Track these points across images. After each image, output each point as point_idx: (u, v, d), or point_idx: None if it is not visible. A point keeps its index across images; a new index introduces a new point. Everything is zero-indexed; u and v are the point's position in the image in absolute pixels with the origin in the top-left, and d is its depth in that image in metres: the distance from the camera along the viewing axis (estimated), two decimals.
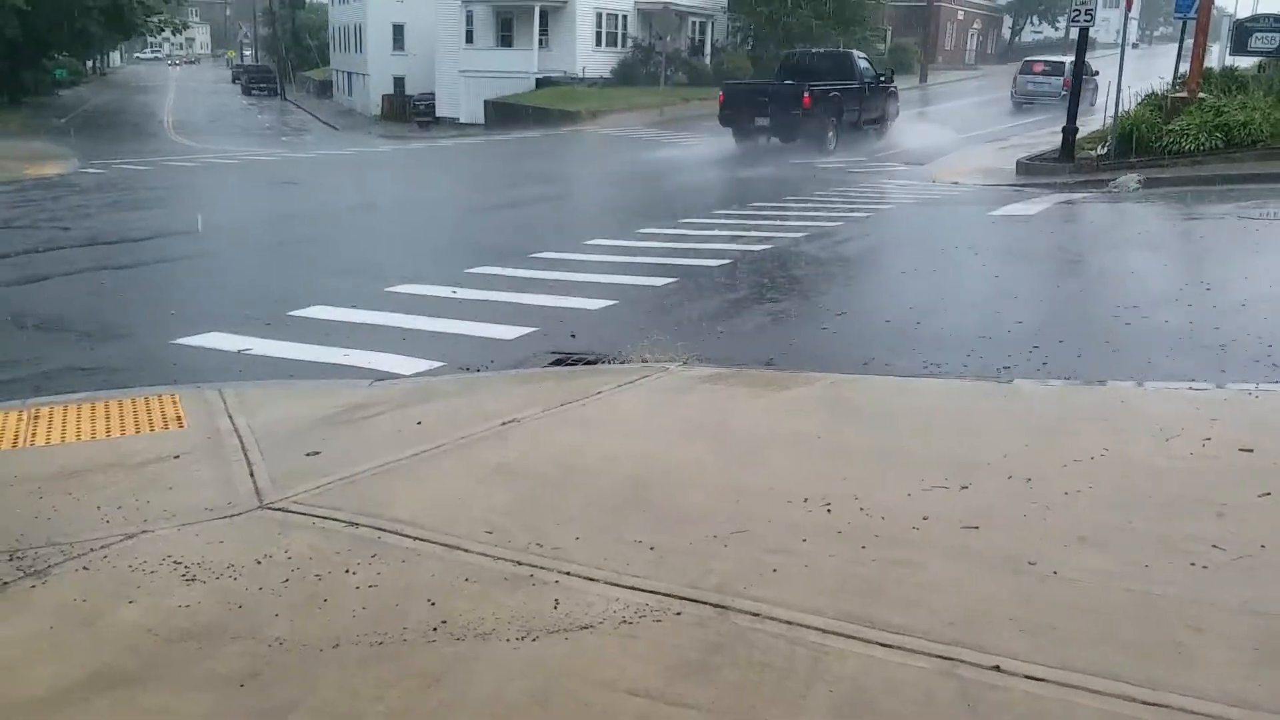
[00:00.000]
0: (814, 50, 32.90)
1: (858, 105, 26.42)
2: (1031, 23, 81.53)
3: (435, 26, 47.78)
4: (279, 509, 4.29)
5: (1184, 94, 18.95)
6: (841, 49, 34.08)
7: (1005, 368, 6.44)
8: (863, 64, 27.88)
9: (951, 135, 27.89)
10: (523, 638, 3.21)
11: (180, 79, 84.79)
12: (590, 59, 44.14)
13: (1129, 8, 19.71)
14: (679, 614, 3.32)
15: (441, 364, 6.98)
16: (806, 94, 24.02)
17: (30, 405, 5.86)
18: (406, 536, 3.94)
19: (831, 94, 25.12)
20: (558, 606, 3.39)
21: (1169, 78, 21.39)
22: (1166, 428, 4.85)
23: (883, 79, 28.37)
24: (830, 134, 24.92)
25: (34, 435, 5.32)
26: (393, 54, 54.55)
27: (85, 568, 3.77)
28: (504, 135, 35.45)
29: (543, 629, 3.26)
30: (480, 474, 4.64)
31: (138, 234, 13.68)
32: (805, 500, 4.12)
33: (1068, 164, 18.50)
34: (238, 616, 3.39)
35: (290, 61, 74.89)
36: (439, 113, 46.74)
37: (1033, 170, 19.10)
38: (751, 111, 25.21)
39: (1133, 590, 3.36)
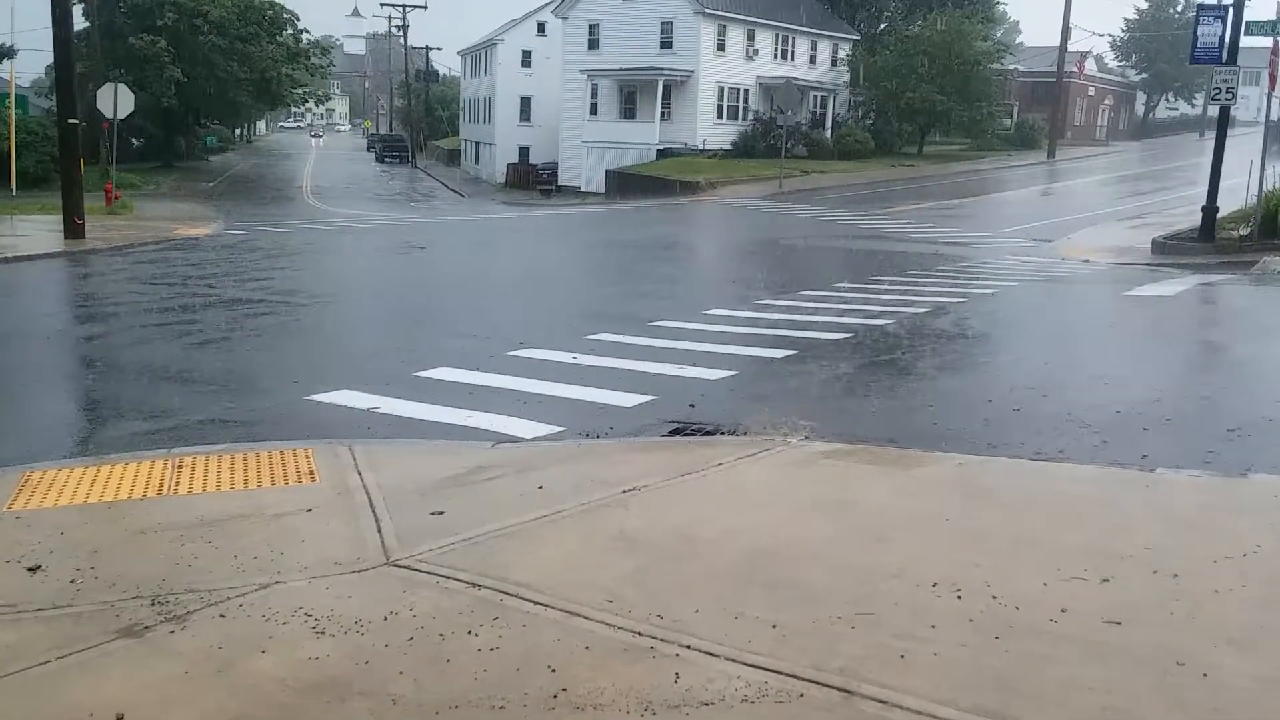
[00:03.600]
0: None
1: None
2: (1167, 99, 79.44)
3: (561, 99, 49.32)
4: (405, 566, 4.36)
5: None
6: None
7: (1145, 456, 6.16)
8: None
9: (1080, 213, 27.24)
10: (643, 711, 3.17)
11: (318, 146, 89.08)
12: (711, 131, 44.82)
13: (1273, 86, 19.05)
14: (802, 696, 3.24)
15: (562, 429, 7.05)
16: None
17: (174, 455, 6.13)
18: (528, 600, 3.96)
19: None
20: (678, 680, 3.34)
21: None
22: None
23: None
24: None
25: (177, 484, 5.56)
26: (519, 124, 56.46)
27: (222, 615, 3.89)
28: (624, 204, 36.10)
29: (663, 703, 3.21)
30: (601, 541, 4.64)
31: (276, 293, 14.32)
32: (934, 585, 3.99)
33: (1208, 244, 17.83)
34: (364, 672, 3.44)
35: (422, 131, 78.13)
36: (561, 181, 48.01)
37: (1169, 250, 18.44)
38: None
39: None
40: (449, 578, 4.20)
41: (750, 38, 46.90)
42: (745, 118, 46.37)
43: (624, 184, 41.17)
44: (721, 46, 45.56)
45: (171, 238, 22.70)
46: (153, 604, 4.00)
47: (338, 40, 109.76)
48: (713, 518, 4.93)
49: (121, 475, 5.69)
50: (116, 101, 25.79)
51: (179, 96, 45.22)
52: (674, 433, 6.95)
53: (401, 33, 74.41)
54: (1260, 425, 6.91)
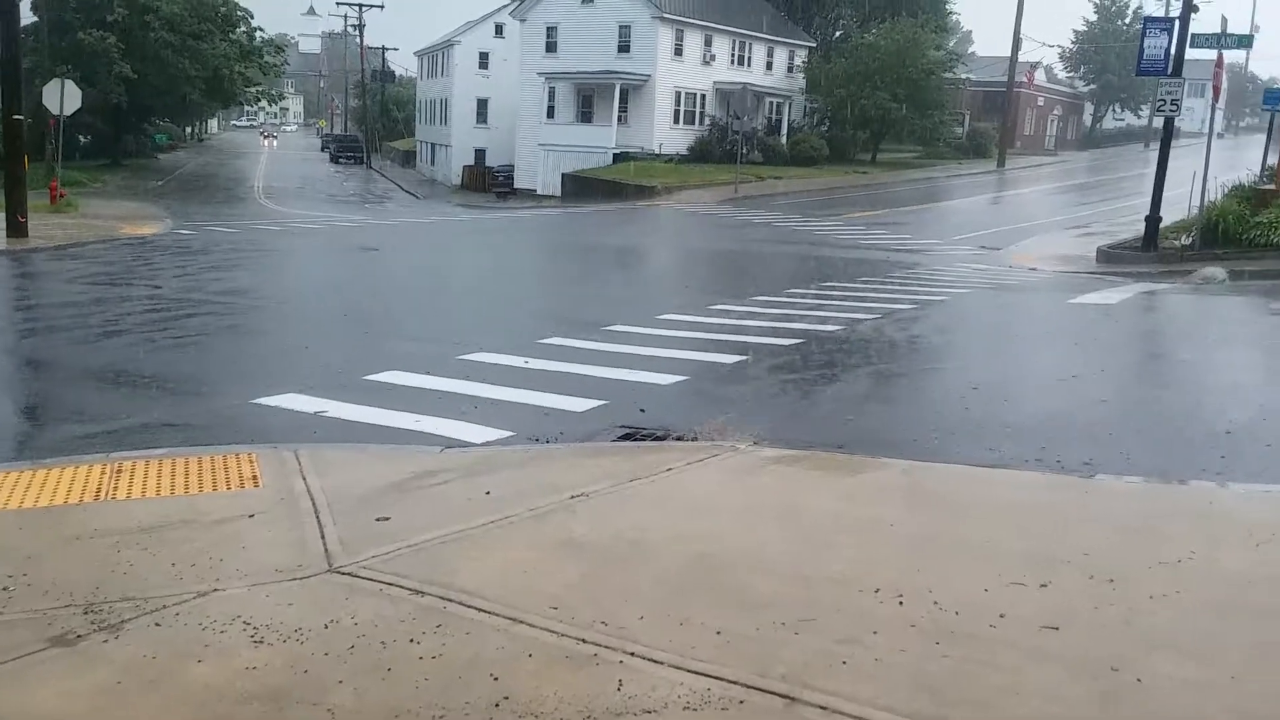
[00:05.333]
0: None
1: None
2: (1114, 110, 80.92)
3: (518, 101, 49.12)
4: (348, 573, 4.31)
5: (1272, 186, 18.59)
6: None
7: (1086, 462, 6.26)
8: None
9: (1028, 221, 27.68)
10: (585, 719, 3.16)
11: (271, 146, 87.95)
12: (667, 135, 44.90)
13: (1216, 98, 19.51)
14: (743, 703, 3.25)
15: (511, 434, 7.02)
16: None
17: (113, 459, 6.01)
18: (471, 608, 3.93)
19: None
20: (621, 688, 3.33)
21: (1256, 170, 21.01)
22: (1256, 532, 4.66)
23: None
24: None
25: (115, 489, 5.45)
26: (475, 126, 56.15)
27: (157, 624, 3.82)
28: (580, 208, 36.04)
29: (605, 711, 3.20)
30: (547, 547, 4.62)
31: (223, 295, 14.11)
32: (877, 590, 4.03)
33: (1151, 253, 18.19)
34: (303, 681, 3.39)
35: (377, 132, 77.42)
36: (517, 184, 47.81)
37: (1114, 259, 18.80)
38: None
39: (1222, 703, 3.21)
40: (392, 585, 4.16)
41: (708, 43, 47.08)
42: (702, 123, 46.53)
43: (580, 187, 41.11)
44: (679, 51, 45.69)
45: (117, 237, 22.30)
46: (86, 612, 3.91)
47: (292, 39, 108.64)
48: (660, 524, 4.93)
49: (58, 480, 5.56)
50: (63, 98, 25.28)
51: (128, 93, 44.42)
52: (624, 438, 6.95)
53: (358, 32, 73.75)
54: (1199, 429, 7.06)
